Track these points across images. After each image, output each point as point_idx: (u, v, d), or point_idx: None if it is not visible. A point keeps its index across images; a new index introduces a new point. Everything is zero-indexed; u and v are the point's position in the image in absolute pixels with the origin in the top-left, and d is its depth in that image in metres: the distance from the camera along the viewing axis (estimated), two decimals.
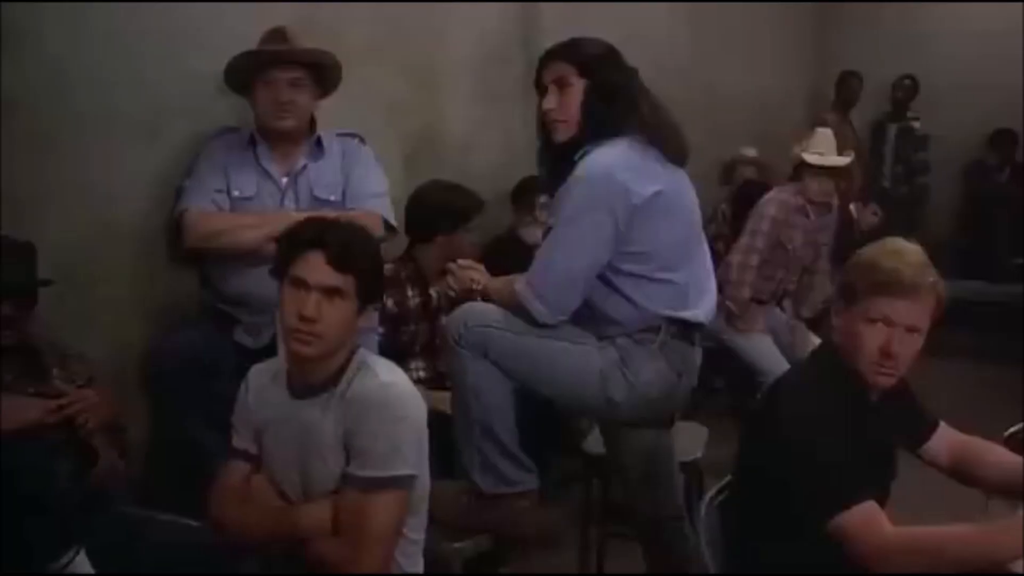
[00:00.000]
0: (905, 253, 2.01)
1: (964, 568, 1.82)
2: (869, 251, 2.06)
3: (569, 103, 2.56)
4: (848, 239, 4.86)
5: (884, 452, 2.14)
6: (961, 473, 2.24)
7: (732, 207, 5.38)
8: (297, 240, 2.05)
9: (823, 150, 4.35)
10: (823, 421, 1.94)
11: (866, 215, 5.70)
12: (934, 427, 2.26)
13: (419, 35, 4.06)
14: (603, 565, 3.34)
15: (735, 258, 4.30)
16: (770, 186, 4.75)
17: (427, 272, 3.36)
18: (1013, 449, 2.33)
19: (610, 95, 2.54)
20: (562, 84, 2.57)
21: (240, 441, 2.20)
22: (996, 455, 2.24)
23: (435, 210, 3.38)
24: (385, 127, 3.78)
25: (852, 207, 5.65)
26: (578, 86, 2.55)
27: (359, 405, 2.02)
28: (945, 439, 2.26)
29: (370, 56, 3.73)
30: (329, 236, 2.03)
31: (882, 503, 1.98)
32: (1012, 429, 2.57)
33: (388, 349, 3.12)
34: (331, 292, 2.00)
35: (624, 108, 2.54)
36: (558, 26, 3.65)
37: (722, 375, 4.99)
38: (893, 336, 1.97)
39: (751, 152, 5.91)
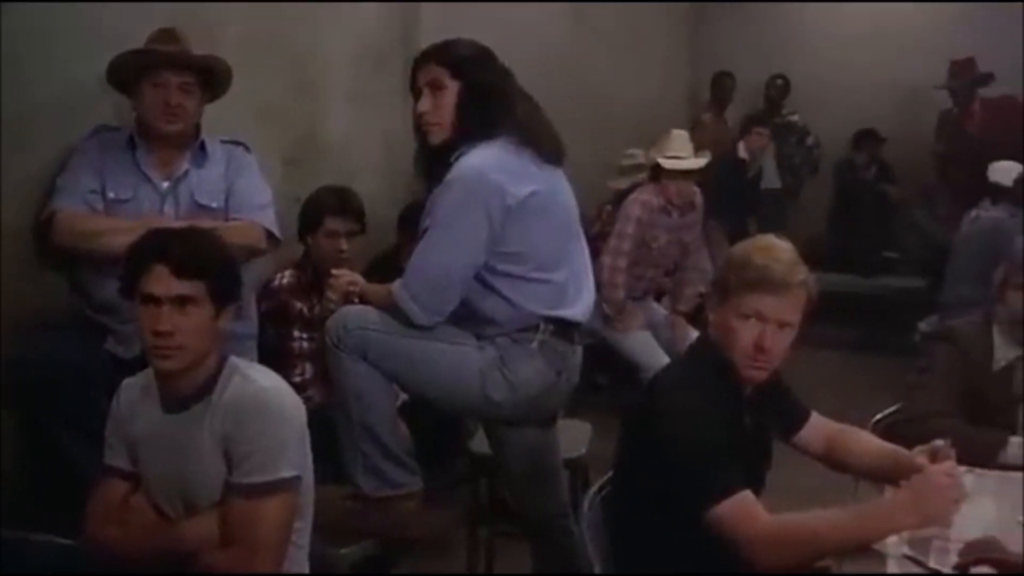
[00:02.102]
0: (776, 250, 2.07)
1: (837, 551, 1.89)
2: (742, 248, 2.12)
3: (442, 105, 2.57)
4: None
5: (760, 443, 2.20)
6: (832, 460, 2.32)
7: (615, 208, 5.48)
8: (141, 256, 2.01)
9: (680, 152, 4.45)
10: (700, 414, 1.98)
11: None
12: (806, 417, 2.33)
13: (296, 36, 4.00)
14: (492, 565, 3.35)
15: (605, 260, 4.37)
16: None
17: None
18: (880, 435, 2.43)
19: (483, 96, 2.55)
20: (435, 86, 2.57)
21: (114, 457, 2.14)
22: (864, 441, 2.33)
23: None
24: (262, 129, 3.70)
25: None
26: (452, 88, 2.56)
27: (237, 411, 1.99)
28: (816, 428, 2.33)
29: (246, 57, 3.65)
30: (172, 247, 1.99)
31: (758, 493, 2.04)
32: (878, 416, 2.69)
33: (310, 352, 3.21)
34: (182, 301, 1.97)
35: (498, 109, 2.55)
36: (437, 26, 3.65)
37: (605, 372, 5.07)
38: (766, 331, 2.03)
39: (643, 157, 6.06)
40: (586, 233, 2.88)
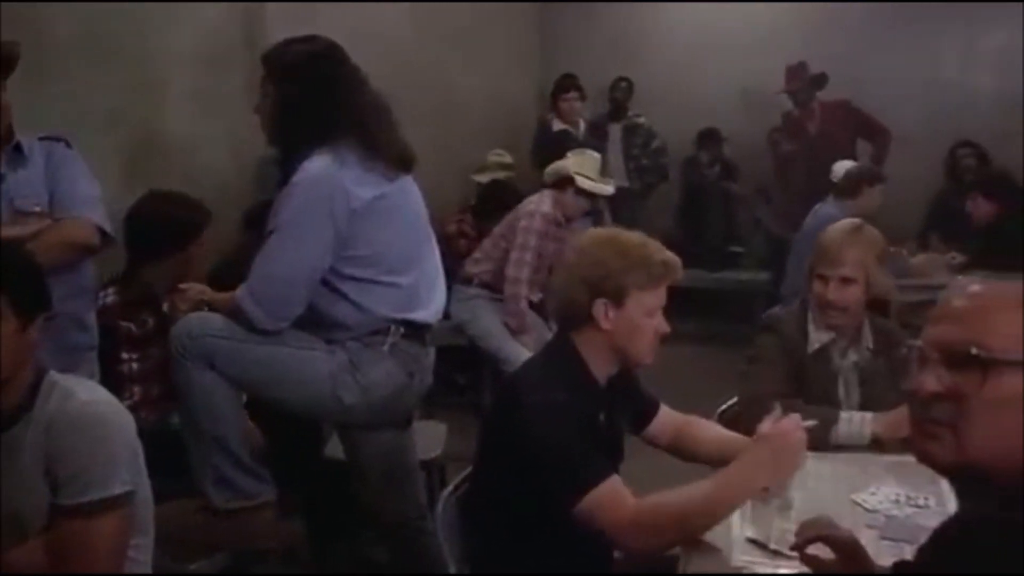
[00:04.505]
0: (651, 242, 2.13)
1: (706, 523, 1.92)
2: (621, 248, 2.10)
3: (265, 109, 2.57)
4: None
5: (615, 436, 2.24)
6: (680, 450, 2.39)
7: (480, 205, 5.51)
8: None
9: (590, 173, 4.55)
10: (563, 410, 1.99)
11: None
12: (655, 410, 2.39)
13: (134, 35, 3.87)
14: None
15: (509, 273, 4.42)
16: (517, 190, 4.89)
17: (158, 292, 3.07)
18: (725, 424, 2.52)
19: (297, 106, 2.52)
20: (264, 90, 2.57)
21: None
22: (709, 431, 2.41)
23: (163, 227, 3.07)
24: (100, 131, 3.57)
25: None
26: (272, 94, 2.55)
27: (61, 429, 1.88)
28: (665, 420, 2.39)
29: (81, 55, 3.51)
30: None
31: None
32: (724, 406, 2.78)
33: (141, 374, 2.99)
34: None
35: (317, 121, 2.51)
36: (283, 25, 3.59)
37: (464, 371, 5.09)
38: (661, 318, 2.12)
39: (507, 156, 6.13)
40: (439, 234, 2.88)
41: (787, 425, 2.01)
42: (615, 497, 1.92)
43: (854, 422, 2.45)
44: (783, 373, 2.60)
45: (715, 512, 1.93)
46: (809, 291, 2.69)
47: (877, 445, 2.44)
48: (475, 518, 2.17)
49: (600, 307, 2.09)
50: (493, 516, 2.11)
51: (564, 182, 4.50)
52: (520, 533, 2.04)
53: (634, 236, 2.15)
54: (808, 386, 2.61)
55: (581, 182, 4.46)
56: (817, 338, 2.66)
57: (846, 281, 2.59)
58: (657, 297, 2.10)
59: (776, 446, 1.97)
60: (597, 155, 4.78)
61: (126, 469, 1.93)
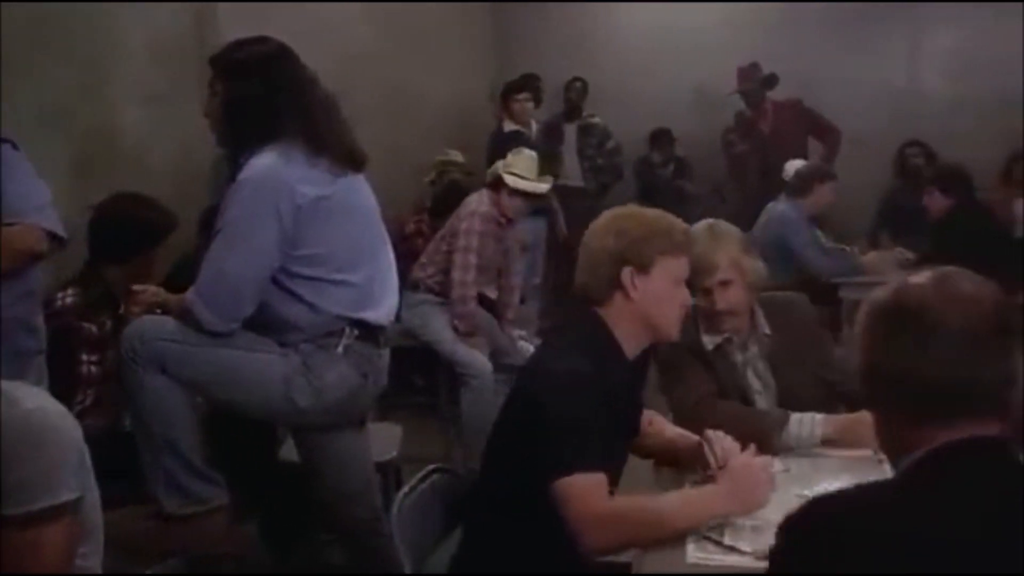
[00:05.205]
0: (667, 214, 2.17)
1: (665, 536, 1.92)
2: (642, 219, 2.15)
3: (213, 109, 2.56)
4: None
5: (634, 413, 2.26)
6: (637, 447, 2.39)
7: (436, 206, 5.49)
8: None
9: (525, 172, 4.52)
10: (584, 381, 1.99)
11: None
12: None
13: (83, 34, 3.82)
14: None
15: (455, 276, 4.37)
16: (471, 191, 4.88)
17: (119, 294, 3.03)
18: (677, 422, 2.52)
19: (246, 107, 2.51)
20: (212, 90, 2.56)
21: None
22: (660, 426, 2.42)
23: (130, 229, 3.06)
24: (48, 133, 3.52)
25: None
26: (221, 94, 2.55)
27: (5, 437, 1.83)
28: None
29: (32, 54, 3.46)
30: None
31: (618, 474, 2.10)
32: None
33: (99, 376, 2.96)
34: None
35: (262, 121, 2.50)
36: (235, 25, 3.57)
37: (422, 372, 5.07)
38: (686, 290, 2.15)
39: (459, 156, 6.12)
40: (399, 233, 2.87)
41: (758, 470, 2.03)
42: (593, 490, 1.92)
43: (804, 424, 2.44)
44: (702, 374, 2.60)
45: (675, 528, 1.93)
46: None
47: (829, 443, 2.45)
48: (475, 501, 2.18)
49: (627, 275, 2.10)
50: (491, 497, 2.12)
51: (498, 182, 4.49)
52: (504, 507, 2.05)
53: (652, 210, 2.20)
54: (720, 383, 2.60)
55: (513, 182, 4.44)
56: (710, 340, 2.65)
57: (725, 284, 2.59)
58: (681, 266, 2.13)
59: (743, 486, 1.99)
60: (533, 154, 4.74)
61: (73, 475, 1.90)
